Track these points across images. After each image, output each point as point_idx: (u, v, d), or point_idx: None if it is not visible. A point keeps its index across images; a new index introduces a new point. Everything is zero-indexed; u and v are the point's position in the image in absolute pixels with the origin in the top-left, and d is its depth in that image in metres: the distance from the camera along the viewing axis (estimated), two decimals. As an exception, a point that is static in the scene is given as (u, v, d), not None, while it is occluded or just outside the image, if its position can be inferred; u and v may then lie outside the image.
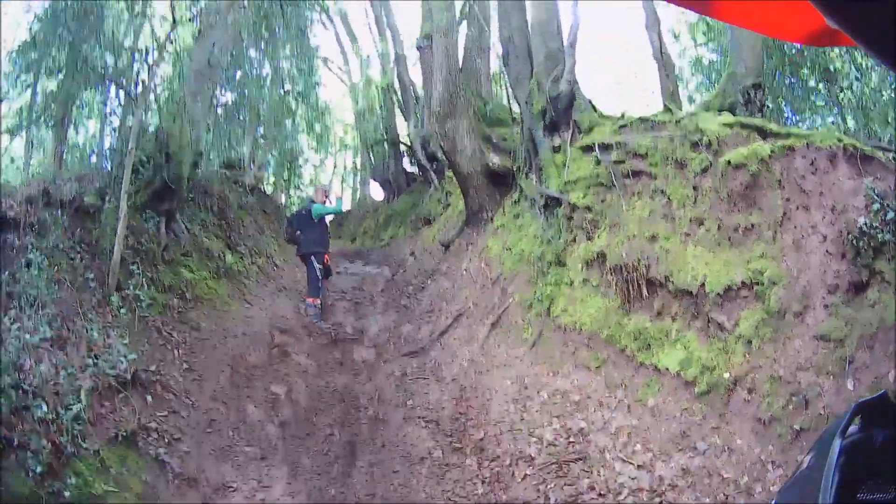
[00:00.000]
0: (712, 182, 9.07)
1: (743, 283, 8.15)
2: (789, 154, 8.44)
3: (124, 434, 8.25)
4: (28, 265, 9.18)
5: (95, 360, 8.73)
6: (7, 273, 8.98)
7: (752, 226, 8.49)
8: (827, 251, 7.63)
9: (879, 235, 7.06)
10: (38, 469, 6.97)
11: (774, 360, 7.53)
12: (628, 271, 9.46)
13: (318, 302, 13.42)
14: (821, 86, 19.08)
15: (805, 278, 7.71)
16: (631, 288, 9.44)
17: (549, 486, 8.03)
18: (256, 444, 9.61)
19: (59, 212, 10.23)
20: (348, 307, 14.15)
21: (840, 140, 8.09)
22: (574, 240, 11.09)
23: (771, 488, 6.72)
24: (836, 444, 1.12)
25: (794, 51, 18.56)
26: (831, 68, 18.71)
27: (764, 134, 9.16)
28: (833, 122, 18.17)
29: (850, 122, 18.18)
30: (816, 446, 1.28)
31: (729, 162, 8.88)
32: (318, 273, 13.47)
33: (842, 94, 18.27)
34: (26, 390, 7.60)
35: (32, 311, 8.70)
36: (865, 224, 7.19)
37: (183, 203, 13.09)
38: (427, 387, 10.78)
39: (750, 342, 7.82)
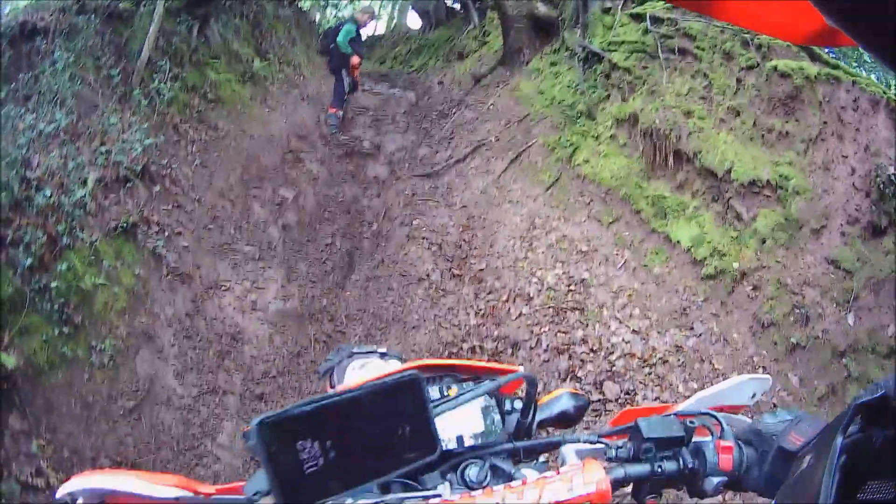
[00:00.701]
0: (756, 81, 8.75)
1: (768, 182, 7.92)
2: (834, 83, 8.14)
3: (124, 225, 8.07)
4: (53, 64, 8.87)
5: (108, 152, 8.45)
6: (31, 74, 8.77)
7: (787, 133, 8.24)
8: (853, 184, 7.49)
9: None
10: (28, 262, 6.82)
11: (784, 266, 7.44)
12: (658, 138, 9.04)
13: (340, 113, 13.02)
14: None
15: (827, 200, 7.57)
16: (658, 154, 9.05)
17: (542, 329, 7.77)
18: (256, 244, 9.41)
19: (92, 17, 9.80)
20: (368, 123, 13.65)
21: (885, 92, 7.96)
22: (608, 97, 10.65)
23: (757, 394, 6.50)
24: (836, 443, 1.05)
25: None
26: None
27: (813, 57, 8.93)
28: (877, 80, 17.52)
29: (894, 87, 17.58)
30: (816, 446, 1.23)
31: (776, 68, 8.54)
32: (346, 86, 13.04)
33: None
34: (31, 182, 7.35)
35: (51, 105, 8.44)
36: (894, 175, 7.09)
37: (219, 9, 12.54)
38: (436, 210, 10.40)
39: (764, 241, 7.69)
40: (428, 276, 9.10)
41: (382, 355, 2.79)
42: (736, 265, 7.65)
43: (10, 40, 9.14)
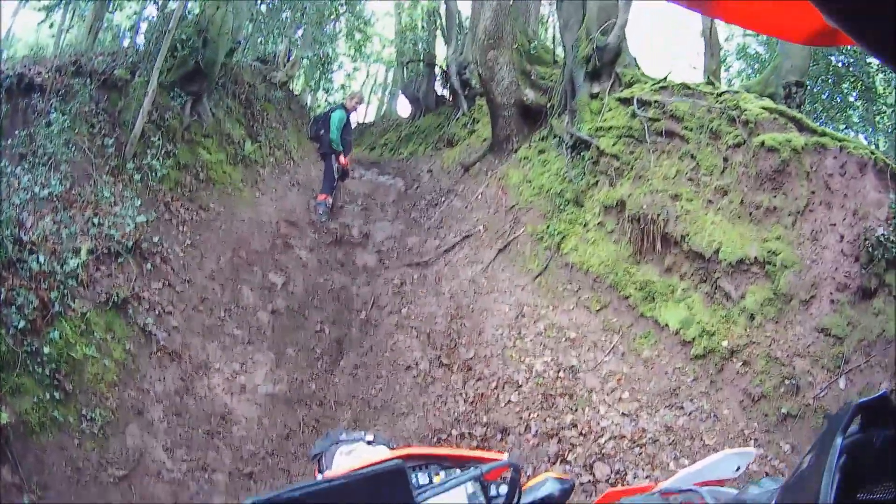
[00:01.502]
0: (743, 158, 8.91)
1: (756, 259, 8.06)
2: (821, 151, 8.30)
3: (115, 300, 8.12)
4: (48, 125, 8.99)
5: (100, 223, 8.56)
6: (26, 132, 8.87)
7: (775, 208, 8.39)
8: (842, 251, 7.61)
9: (894, 249, 7.08)
10: (21, 325, 6.85)
11: (773, 340, 7.48)
12: (646, 223, 9.18)
13: (330, 201, 13.13)
14: (859, 103, 18.68)
15: (816, 270, 7.67)
16: (645, 239, 9.18)
17: (531, 416, 7.85)
18: (245, 328, 9.47)
19: (88, 80, 10.00)
20: (358, 212, 13.76)
21: (872, 153, 8.09)
22: (596, 184, 10.74)
23: (750, 466, 6.46)
24: (837, 443, 1.04)
25: (840, 64, 18.44)
26: (874, 89, 18.52)
27: (800, 127, 8.99)
28: (866, 140, 17.94)
29: (882, 145, 17.93)
30: (816, 446, 1.17)
31: (763, 143, 8.73)
32: (335, 173, 13.17)
33: (878, 118, 17.95)
34: (24, 244, 7.43)
35: (45, 169, 8.55)
36: (884, 235, 7.21)
37: (212, 88, 12.76)
38: (424, 299, 10.48)
39: (752, 317, 7.79)
40: (417, 363, 9.17)
41: (369, 442, 2.93)
42: (725, 343, 7.75)
43: (7, 91, 9.30)
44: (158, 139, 10.52)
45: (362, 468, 1.43)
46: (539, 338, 8.94)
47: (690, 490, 1.74)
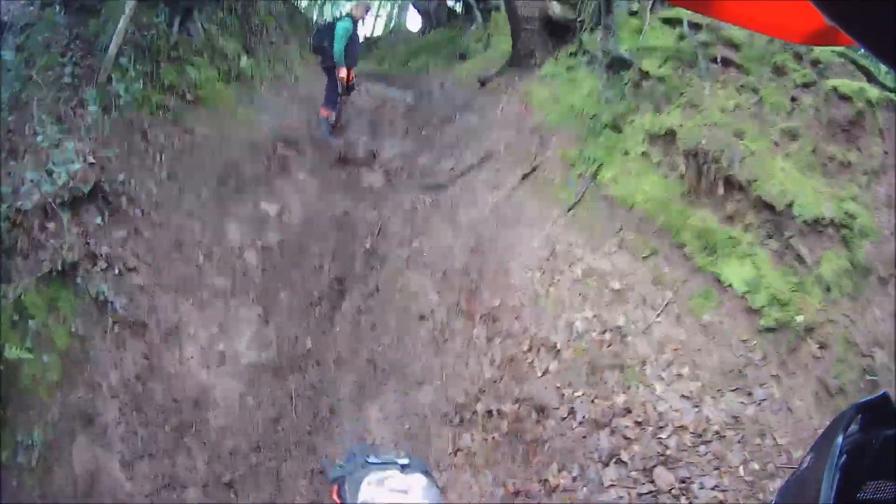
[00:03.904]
0: (813, 101, 7.80)
1: (832, 220, 6.85)
2: (893, 108, 7.34)
3: (61, 267, 6.66)
4: None
5: (50, 171, 7.11)
6: None
7: (849, 163, 7.28)
8: None
9: None
10: None
11: (852, 320, 6.26)
12: (705, 160, 7.83)
13: (333, 116, 11.80)
14: None
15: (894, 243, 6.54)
16: (704, 179, 7.82)
17: (575, 393, 6.36)
18: (229, 274, 8.03)
19: (58, 8, 8.97)
20: (364, 127, 12.39)
21: None
22: (638, 108, 9.30)
23: None
24: (837, 443, 0.99)
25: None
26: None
27: (870, 78, 8.10)
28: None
29: None
30: (816, 446, 1.13)
31: (836, 88, 7.62)
32: (339, 87, 11.77)
33: None
34: None
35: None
36: None
37: (203, 1, 11.49)
38: (439, 229, 8.99)
39: (829, 289, 6.56)
40: (432, 311, 7.68)
41: (403, 467, 2.35)
42: (800, 318, 6.39)
43: None
44: (130, 62, 9.10)
45: None
46: (577, 286, 7.40)
47: None
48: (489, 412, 6.42)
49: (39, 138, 7.30)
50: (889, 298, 6.23)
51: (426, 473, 2.39)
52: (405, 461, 2.41)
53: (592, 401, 6.20)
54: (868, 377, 5.85)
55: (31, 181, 6.81)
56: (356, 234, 9.31)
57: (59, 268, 6.57)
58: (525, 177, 9.32)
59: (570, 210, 8.54)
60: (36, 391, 6.04)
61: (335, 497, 2.45)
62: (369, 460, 2.42)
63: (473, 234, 8.64)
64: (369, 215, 9.66)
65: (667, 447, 5.78)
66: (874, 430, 1.00)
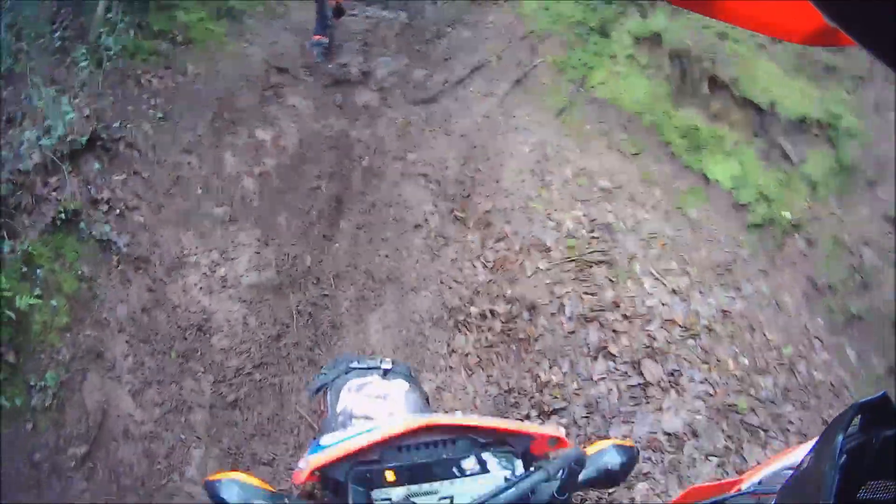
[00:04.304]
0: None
1: (818, 121, 7.10)
2: None
3: (64, 216, 6.79)
4: None
5: (48, 128, 7.21)
6: None
7: (834, 68, 7.53)
8: None
9: None
10: None
11: (840, 218, 6.70)
12: (689, 61, 8.06)
13: (326, 40, 11.62)
14: None
15: (883, 147, 6.77)
16: (689, 79, 8.07)
17: (564, 290, 6.56)
18: (227, 202, 8.10)
19: None
20: (357, 49, 12.24)
21: None
22: (624, 13, 9.48)
23: (814, 373, 5.94)
24: (837, 443, 0.98)
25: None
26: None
27: None
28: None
29: None
30: (816, 446, 1.10)
31: None
32: (330, 9, 11.61)
33: None
34: None
35: None
36: None
37: None
38: (433, 140, 9.12)
39: (815, 187, 6.95)
40: (426, 220, 7.88)
41: (385, 372, 2.50)
42: (787, 214, 6.76)
43: None
44: (118, 16, 9.05)
45: None
46: (567, 187, 7.61)
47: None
48: (482, 314, 6.60)
49: (35, 100, 7.38)
50: (877, 199, 6.46)
51: (408, 378, 2.49)
52: (388, 366, 2.50)
53: (581, 297, 6.38)
54: (856, 274, 6.14)
55: (29, 141, 6.94)
56: (352, 153, 9.40)
57: (63, 217, 6.74)
58: (516, 83, 9.41)
59: (560, 114, 8.65)
60: (46, 336, 6.25)
61: (321, 408, 2.55)
62: (352, 366, 2.52)
63: (466, 143, 8.76)
64: (364, 134, 9.72)
65: (655, 340, 5.97)
66: (874, 430, 1.01)
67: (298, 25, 12.19)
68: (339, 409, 2.31)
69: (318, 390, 2.58)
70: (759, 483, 1.50)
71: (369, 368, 2.47)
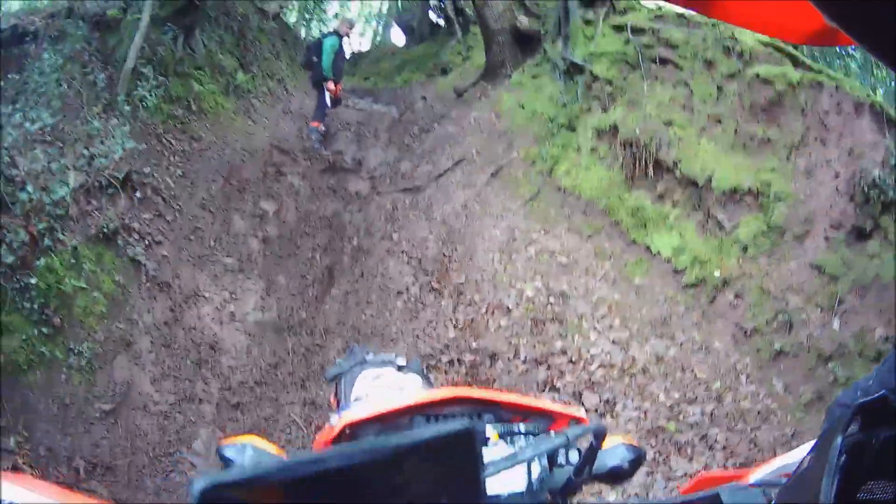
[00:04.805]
0: (737, 88, 8.93)
1: (749, 190, 8.03)
2: (817, 88, 8.31)
3: (104, 231, 7.94)
4: (41, 67, 9.09)
5: (91, 156, 8.38)
6: (21, 77, 8.97)
7: (769, 140, 8.35)
8: (837, 188, 7.59)
9: (891, 192, 7.03)
10: (10, 260, 6.75)
11: (766, 273, 7.45)
12: (638, 148, 9.04)
13: (322, 127, 12.71)
14: (858, 53, 18.20)
15: (811, 205, 7.65)
16: (638, 165, 9.04)
17: (520, 341, 7.57)
18: (236, 256, 9.27)
19: (81, 22, 10.01)
20: (351, 138, 13.36)
21: (869, 96, 8.04)
22: (589, 109, 10.47)
23: (741, 402, 6.54)
24: (836, 443, 1.00)
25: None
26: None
27: (796, 63, 8.94)
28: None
29: (878, 96, 17.55)
30: (816, 446, 1.13)
31: (758, 75, 8.71)
32: (328, 100, 12.72)
33: (877, 70, 17.47)
34: (14, 180, 7.30)
35: (37, 108, 8.52)
36: (879, 177, 7.15)
37: (204, 20, 12.46)
38: (416, 224, 10.11)
39: (746, 248, 7.75)
40: (407, 289, 8.85)
41: (400, 367, 2.49)
42: (717, 273, 7.61)
43: (3, 42, 9.36)
44: (150, 72, 10.22)
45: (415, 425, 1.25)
46: (530, 262, 8.66)
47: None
48: (451, 361, 7.50)
49: (86, 130, 8.55)
50: (803, 251, 7.30)
51: (422, 374, 2.47)
52: (402, 362, 2.53)
53: (534, 346, 7.35)
54: (781, 317, 6.92)
55: (76, 166, 8.06)
56: (344, 233, 10.41)
57: (105, 231, 7.83)
58: (492, 176, 10.36)
59: (528, 202, 9.67)
60: (86, 319, 7.28)
61: (333, 398, 2.56)
62: (367, 358, 2.53)
63: (446, 227, 9.71)
64: (356, 217, 10.75)
65: (594, 377, 6.90)
66: (874, 430, 1.02)
67: (297, 111, 13.44)
68: (353, 397, 2.28)
69: (332, 379, 2.60)
70: (766, 476, 1.52)
71: (383, 363, 2.49)
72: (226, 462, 1.57)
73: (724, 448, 6.14)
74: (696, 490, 1.54)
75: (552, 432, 1.67)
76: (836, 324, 6.67)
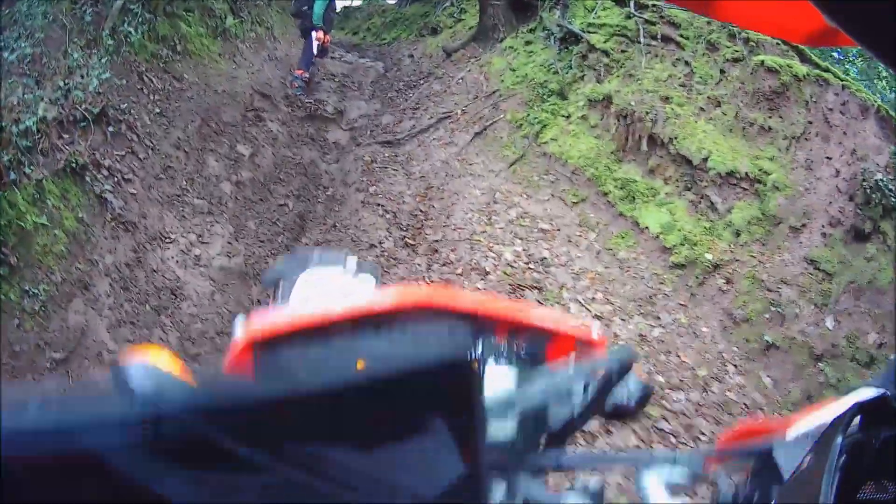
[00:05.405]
0: (740, 74, 8.79)
1: (746, 175, 7.81)
2: (823, 85, 8.24)
3: (73, 166, 7.46)
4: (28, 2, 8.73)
5: (68, 90, 7.96)
6: (7, 11, 8.61)
7: (770, 129, 8.20)
8: (837, 186, 7.50)
9: (893, 198, 6.98)
10: None
11: (759, 262, 7.25)
12: (632, 120, 8.77)
13: (307, 75, 12.44)
14: (859, 62, 18.00)
15: (809, 199, 7.54)
16: (630, 137, 8.78)
17: None
18: (207, 198, 8.83)
19: None
20: (334, 88, 13.13)
21: (875, 102, 8.07)
22: (583, 78, 10.26)
23: (727, 393, 6.23)
24: (836, 443, 0.99)
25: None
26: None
27: (803, 58, 8.94)
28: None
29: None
30: (816, 446, 1.09)
31: (763, 63, 8.54)
32: (315, 49, 12.42)
33: (878, 81, 17.32)
34: None
35: (20, 39, 8.21)
36: (883, 181, 7.06)
37: None
38: (394, 178, 9.82)
39: (738, 234, 7.54)
40: (381, 242, 8.51)
41: (351, 271, 2.05)
42: (708, 256, 7.32)
43: None
44: (138, 8, 9.75)
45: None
46: (510, 226, 8.31)
47: None
48: None
49: (67, 64, 8.15)
50: (798, 244, 7.09)
51: (375, 277, 2.10)
52: (353, 264, 2.08)
53: None
54: (773, 308, 6.68)
55: (52, 99, 7.65)
56: (319, 182, 10.12)
57: (73, 166, 7.38)
58: (476, 135, 10.09)
59: (512, 165, 9.36)
60: (44, 258, 6.79)
61: (272, 303, 2.15)
62: (312, 259, 2.09)
63: (424, 183, 9.43)
64: (332, 167, 10.47)
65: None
66: (874, 430, 1.02)
67: (283, 58, 13.03)
68: (290, 302, 1.88)
69: (270, 284, 2.17)
70: (809, 430, 1.32)
71: (330, 263, 2.03)
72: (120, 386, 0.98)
73: (710, 441, 5.78)
74: (739, 441, 1.47)
75: (569, 360, 1.42)
76: (829, 322, 6.49)
